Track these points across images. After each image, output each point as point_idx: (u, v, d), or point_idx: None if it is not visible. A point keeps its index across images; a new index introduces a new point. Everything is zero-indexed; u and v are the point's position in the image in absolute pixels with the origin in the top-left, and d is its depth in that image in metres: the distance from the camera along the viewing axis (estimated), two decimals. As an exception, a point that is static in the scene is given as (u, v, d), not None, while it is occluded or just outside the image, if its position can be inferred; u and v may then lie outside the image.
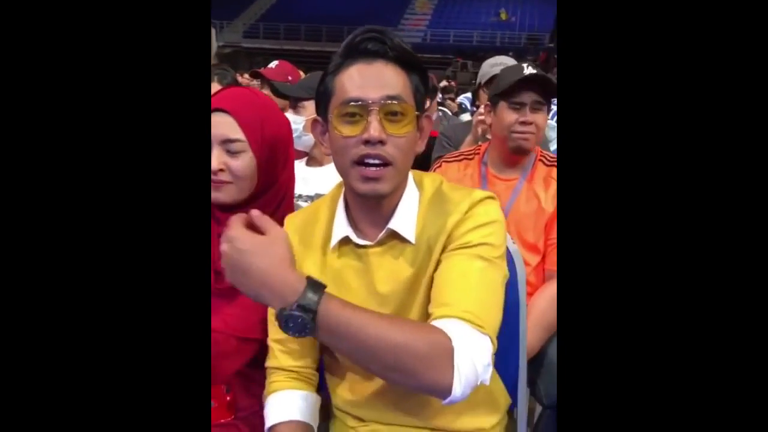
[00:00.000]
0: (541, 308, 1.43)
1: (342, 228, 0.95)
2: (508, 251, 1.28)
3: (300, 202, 1.71)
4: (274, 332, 1.02)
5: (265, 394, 1.02)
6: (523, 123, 1.59)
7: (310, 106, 1.85)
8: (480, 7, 21.84)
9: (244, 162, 1.04)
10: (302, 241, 0.98)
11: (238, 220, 0.77)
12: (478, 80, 2.66)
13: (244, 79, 5.35)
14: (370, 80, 0.87)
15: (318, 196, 1.72)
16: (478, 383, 0.80)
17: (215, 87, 1.85)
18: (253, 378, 1.09)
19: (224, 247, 0.74)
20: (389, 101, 0.85)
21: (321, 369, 1.08)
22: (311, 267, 0.98)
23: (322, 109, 0.92)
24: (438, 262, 0.91)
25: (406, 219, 0.93)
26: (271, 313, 1.01)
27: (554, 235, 1.57)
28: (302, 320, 0.72)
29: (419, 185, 0.97)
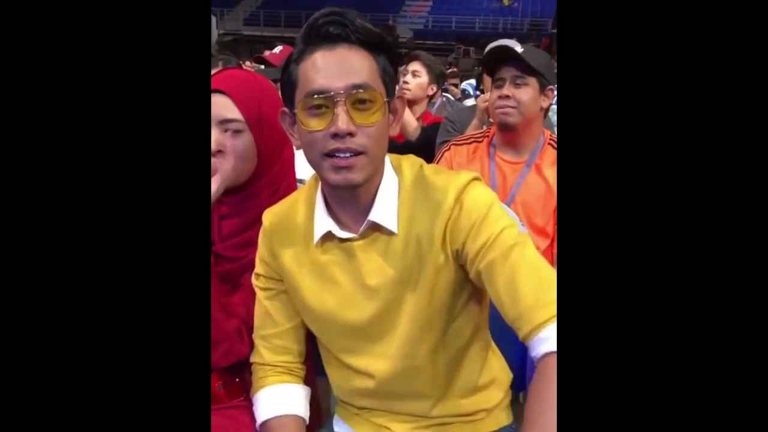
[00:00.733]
0: None
1: (323, 222, 0.93)
2: None
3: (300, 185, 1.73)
4: (259, 328, 1.03)
5: (253, 391, 1.02)
6: (502, 97, 1.61)
7: None
8: (482, -7, 21.70)
9: (243, 142, 1.04)
10: (284, 237, 0.97)
11: None
12: (481, 64, 2.67)
13: (247, 66, 5.35)
14: (333, 68, 0.82)
15: None
16: None
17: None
18: None
19: None
20: (355, 90, 0.81)
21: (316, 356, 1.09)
22: (295, 263, 0.96)
23: (287, 100, 0.88)
24: (442, 260, 0.89)
25: (386, 209, 0.89)
26: (256, 310, 1.03)
27: None
28: None
29: (397, 170, 0.92)
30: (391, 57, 0.87)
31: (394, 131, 0.92)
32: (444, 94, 3.86)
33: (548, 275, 0.82)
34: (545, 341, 0.77)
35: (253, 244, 1.04)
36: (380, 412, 1.02)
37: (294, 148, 1.13)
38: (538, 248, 1.61)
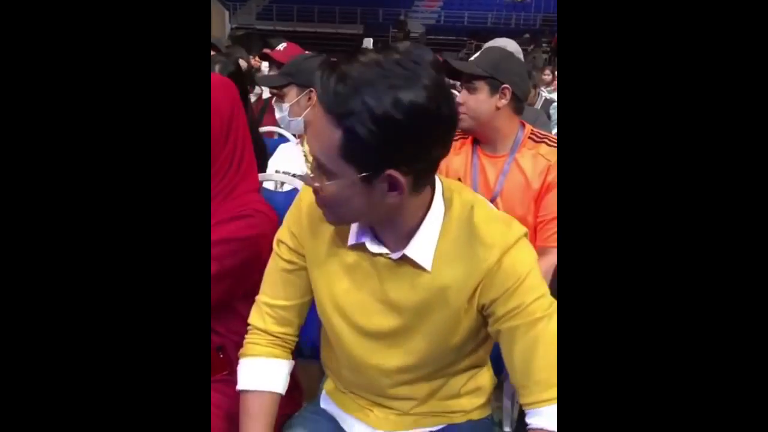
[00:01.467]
0: None
1: (360, 231, 0.91)
2: None
3: (295, 179, 1.70)
4: (268, 296, 1.02)
5: (243, 352, 1.03)
6: (458, 104, 1.67)
7: (290, 91, 1.89)
8: (495, -12, 21.57)
9: None
10: (320, 223, 0.94)
11: None
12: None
13: (257, 61, 5.33)
14: (310, 126, 0.84)
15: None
16: None
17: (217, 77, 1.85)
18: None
19: None
20: (312, 159, 0.80)
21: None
22: (324, 253, 0.95)
23: None
24: (466, 307, 0.89)
25: (425, 246, 0.88)
26: (268, 273, 1.03)
27: (544, 212, 1.65)
28: None
29: (448, 202, 0.89)
30: (378, 127, 0.71)
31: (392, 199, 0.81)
32: (453, 91, 3.83)
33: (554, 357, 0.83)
34: (545, 417, 0.85)
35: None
36: (366, 395, 1.05)
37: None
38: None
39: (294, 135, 2.20)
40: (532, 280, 0.85)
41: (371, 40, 2.97)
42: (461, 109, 1.67)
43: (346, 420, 1.08)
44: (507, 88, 1.68)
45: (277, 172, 1.87)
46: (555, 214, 1.61)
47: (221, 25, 15.72)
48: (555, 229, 1.61)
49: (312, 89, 1.80)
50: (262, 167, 1.94)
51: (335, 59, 0.75)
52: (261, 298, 1.04)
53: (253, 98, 3.40)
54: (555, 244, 1.60)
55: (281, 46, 2.73)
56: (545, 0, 20.13)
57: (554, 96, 4.09)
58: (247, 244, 1.08)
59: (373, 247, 0.90)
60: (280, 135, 2.60)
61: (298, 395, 1.24)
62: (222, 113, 1.08)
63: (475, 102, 1.67)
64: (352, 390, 1.07)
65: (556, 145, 1.67)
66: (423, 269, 0.88)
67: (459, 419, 1.06)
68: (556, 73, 5.29)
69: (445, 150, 0.80)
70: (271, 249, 1.02)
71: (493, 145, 1.73)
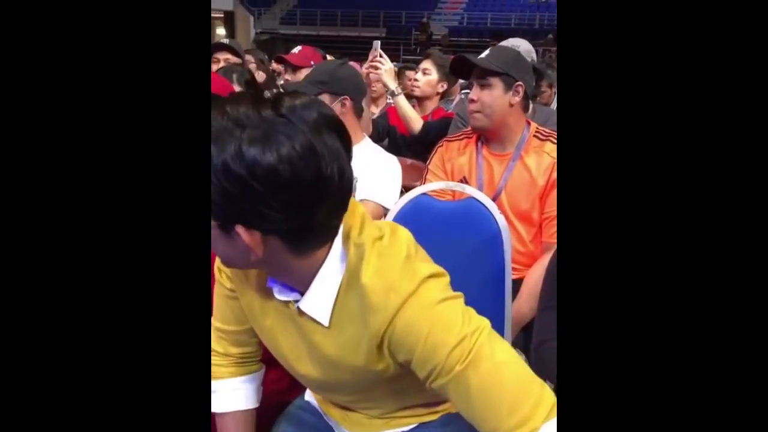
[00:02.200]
0: (537, 279, 1.51)
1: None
2: (495, 224, 1.37)
3: None
4: (219, 322, 1.01)
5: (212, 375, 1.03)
6: (470, 101, 1.71)
7: (323, 99, 1.84)
8: (518, -11, 21.50)
9: None
10: None
11: None
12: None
13: (278, 66, 5.45)
14: None
15: None
16: None
17: (234, 87, 1.93)
18: None
19: None
20: None
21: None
22: (249, 286, 0.91)
23: None
24: (382, 362, 0.82)
25: (320, 299, 0.81)
26: (216, 298, 0.99)
27: (549, 209, 1.66)
28: None
29: (346, 247, 0.81)
30: (217, 177, 0.67)
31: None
32: (464, 90, 3.92)
33: (510, 382, 0.75)
34: None
35: None
36: (335, 402, 1.06)
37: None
38: (522, 238, 1.69)
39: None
40: (436, 335, 0.75)
41: (379, 42, 3.01)
42: (474, 106, 1.68)
43: (324, 416, 1.10)
44: (520, 85, 1.71)
45: None
46: None
47: (246, 29, 15.95)
48: None
49: (346, 96, 1.81)
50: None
51: (221, 99, 0.71)
52: (214, 323, 1.01)
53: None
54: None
55: (296, 49, 2.87)
56: (569, 0, 19.87)
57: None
58: None
59: (281, 295, 0.85)
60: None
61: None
62: None
63: (490, 98, 1.68)
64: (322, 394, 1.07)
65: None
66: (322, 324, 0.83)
67: (433, 417, 1.04)
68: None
69: (331, 216, 0.75)
70: None
71: (501, 143, 1.75)
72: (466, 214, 1.39)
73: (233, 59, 2.89)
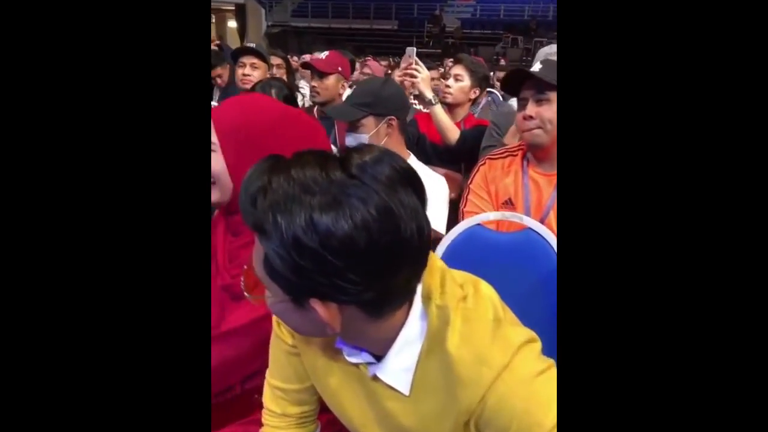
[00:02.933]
0: None
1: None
2: (547, 245, 1.27)
3: None
4: (276, 380, 0.94)
5: None
6: (526, 118, 1.58)
7: (368, 122, 1.74)
8: (532, -20, 21.25)
9: (215, 161, 1.06)
10: None
11: None
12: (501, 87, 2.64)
13: (295, 62, 5.38)
14: None
15: None
16: None
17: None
18: None
19: None
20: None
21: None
22: (317, 352, 0.85)
23: None
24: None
25: (399, 368, 0.75)
26: (273, 354, 0.93)
27: None
28: None
29: (427, 309, 0.74)
30: (288, 252, 0.61)
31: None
32: (491, 90, 3.82)
33: None
34: None
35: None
36: None
37: None
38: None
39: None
40: (532, 415, 0.68)
41: (414, 49, 2.89)
42: (532, 123, 1.57)
43: None
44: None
45: None
46: None
47: (258, 22, 15.87)
48: None
49: (392, 117, 1.73)
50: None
51: (283, 161, 0.64)
52: (271, 381, 0.95)
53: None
54: None
55: (323, 54, 2.75)
56: (583, -9, 19.64)
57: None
58: None
59: (352, 357, 0.78)
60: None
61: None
62: (226, 129, 1.08)
63: (551, 113, 1.56)
64: None
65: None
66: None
67: None
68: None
69: (411, 278, 0.68)
70: None
71: (551, 161, 1.65)
72: (524, 247, 1.30)
73: (259, 63, 2.81)
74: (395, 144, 1.76)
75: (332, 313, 0.66)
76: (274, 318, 0.90)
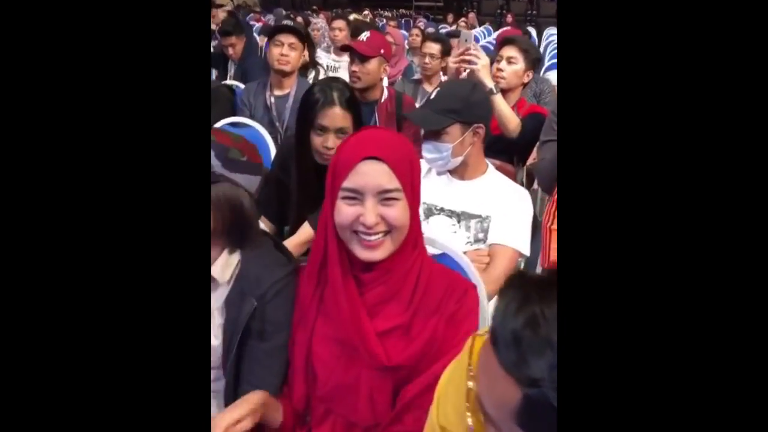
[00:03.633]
0: None
1: None
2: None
3: (443, 216, 1.60)
4: None
5: None
6: None
7: (453, 130, 1.59)
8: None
9: (399, 211, 0.99)
10: None
11: None
12: None
13: (316, 31, 5.09)
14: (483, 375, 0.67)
15: (464, 213, 1.61)
16: None
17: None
18: None
19: None
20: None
21: None
22: None
23: None
24: None
25: None
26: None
27: None
28: None
29: None
30: None
31: None
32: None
33: None
34: None
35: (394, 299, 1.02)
36: None
37: None
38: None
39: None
40: None
41: (472, 33, 2.71)
42: None
43: None
44: None
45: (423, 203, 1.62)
46: None
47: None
48: None
49: (480, 125, 1.60)
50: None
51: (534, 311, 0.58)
52: None
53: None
54: None
55: (364, 36, 2.57)
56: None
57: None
58: None
59: None
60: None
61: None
62: (406, 170, 1.02)
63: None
64: None
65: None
66: None
67: None
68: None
69: None
70: None
71: None
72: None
73: (296, 44, 2.61)
74: (476, 154, 1.63)
75: None
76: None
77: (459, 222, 1.62)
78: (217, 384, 1.14)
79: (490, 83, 2.16)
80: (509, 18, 10.09)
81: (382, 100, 2.46)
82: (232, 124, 2.47)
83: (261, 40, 4.56)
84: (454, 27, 7.48)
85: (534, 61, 2.53)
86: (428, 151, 1.62)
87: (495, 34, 6.75)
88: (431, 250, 1.24)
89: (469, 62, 2.15)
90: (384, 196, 0.98)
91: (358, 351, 1.01)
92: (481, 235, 1.59)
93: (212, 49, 3.82)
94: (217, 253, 1.11)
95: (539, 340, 0.54)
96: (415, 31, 5.63)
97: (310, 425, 1.10)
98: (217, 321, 1.11)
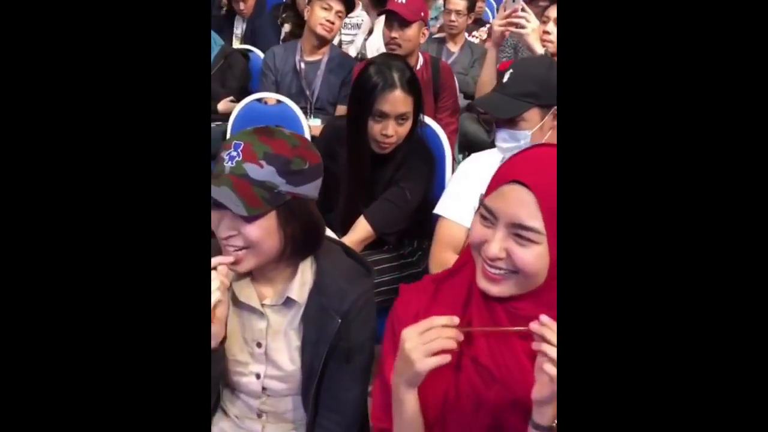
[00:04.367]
0: None
1: None
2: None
3: None
4: None
5: None
6: None
7: (532, 115, 1.40)
8: None
9: (534, 255, 0.80)
10: None
11: None
12: None
13: (370, 16, 4.82)
14: None
15: None
16: None
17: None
18: None
19: None
20: None
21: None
22: None
23: None
24: None
25: None
26: None
27: None
28: None
29: None
30: None
31: None
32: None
33: None
34: None
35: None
36: None
37: None
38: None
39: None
40: None
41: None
42: None
43: None
44: None
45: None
46: None
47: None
48: None
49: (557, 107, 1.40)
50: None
51: None
52: None
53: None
54: None
55: (401, -1, 2.34)
56: None
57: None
58: None
59: None
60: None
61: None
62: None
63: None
64: None
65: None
66: None
67: None
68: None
69: None
70: None
71: None
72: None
73: (343, 12, 2.40)
74: (551, 139, 1.43)
75: None
76: None
77: None
78: (294, 413, 1.08)
79: (540, 49, 1.92)
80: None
81: (418, 67, 2.26)
82: (258, 101, 2.31)
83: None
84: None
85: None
86: (503, 140, 1.44)
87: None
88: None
89: (518, 25, 1.90)
90: (518, 232, 0.80)
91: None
92: None
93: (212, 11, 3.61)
94: (291, 272, 1.03)
95: None
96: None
97: None
98: (293, 343, 1.03)
